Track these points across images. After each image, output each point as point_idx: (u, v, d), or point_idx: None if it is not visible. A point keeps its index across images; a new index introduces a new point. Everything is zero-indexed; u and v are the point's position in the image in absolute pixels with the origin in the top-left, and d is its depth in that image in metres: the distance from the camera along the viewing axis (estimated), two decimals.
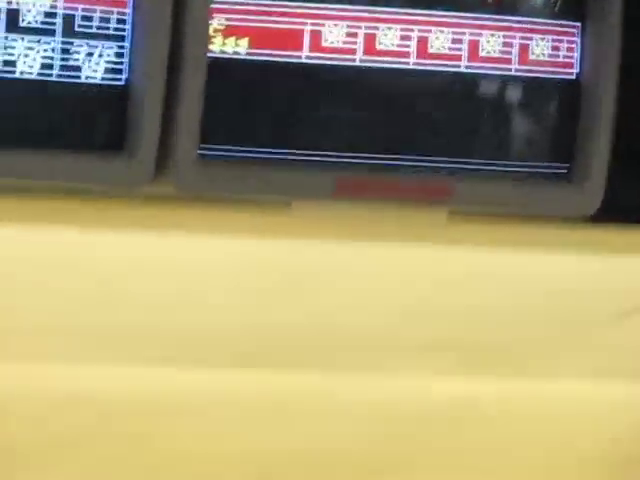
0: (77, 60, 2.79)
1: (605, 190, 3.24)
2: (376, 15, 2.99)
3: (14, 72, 2.70)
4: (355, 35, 2.99)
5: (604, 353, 3.63)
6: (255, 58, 2.93)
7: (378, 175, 3.09)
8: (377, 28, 3.00)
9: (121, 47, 2.82)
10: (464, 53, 3.11)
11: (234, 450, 3.71)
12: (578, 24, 3.16)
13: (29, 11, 2.66)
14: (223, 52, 2.93)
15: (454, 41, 3.09)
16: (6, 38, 2.65)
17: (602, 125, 3.19)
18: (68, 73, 2.79)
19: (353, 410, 3.69)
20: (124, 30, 2.80)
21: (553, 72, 3.21)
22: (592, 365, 3.67)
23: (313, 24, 2.93)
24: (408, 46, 3.05)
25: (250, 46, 2.92)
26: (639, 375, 3.69)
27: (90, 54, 2.82)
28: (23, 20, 2.67)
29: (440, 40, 3.07)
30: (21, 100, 2.79)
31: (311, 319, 3.38)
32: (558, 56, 3.19)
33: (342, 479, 4.01)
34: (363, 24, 2.98)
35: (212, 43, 2.88)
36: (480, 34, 3.10)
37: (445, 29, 3.06)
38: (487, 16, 3.10)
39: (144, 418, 3.62)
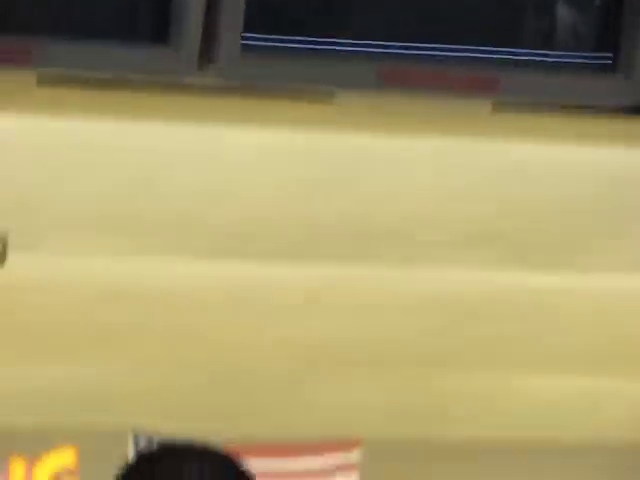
0: None
1: None
2: None
3: None
4: None
5: None
6: None
7: (424, 64, 3.07)
8: None
9: None
10: None
11: (281, 340, 3.76)
12: None
13: None
14: None
15: None
16: None
17: None
18: None
19: (401, 302, 3.70)
20: None
21: None
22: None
23: None
24: None
25: None
26: None
27: None
28: None
29: None
30: None
31: (358, 210, 3.39)
32: None
33: (390, 371, 4.06)
34: None
35: None
36: None
37: None
38: None
39: (190, 310, 3.67)
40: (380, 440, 4.20)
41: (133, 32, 3.01)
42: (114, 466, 1.08)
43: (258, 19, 2.97)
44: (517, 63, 3.17)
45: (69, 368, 4.15)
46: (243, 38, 2.91)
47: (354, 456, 4.73)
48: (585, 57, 3.23)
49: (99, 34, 2.93)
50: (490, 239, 3.51)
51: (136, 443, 4.46)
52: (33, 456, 4.83)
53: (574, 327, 3.77)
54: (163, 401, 4.19)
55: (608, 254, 3.66)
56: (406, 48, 3.08)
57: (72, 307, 3.70)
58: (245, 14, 2.90)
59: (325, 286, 3.63)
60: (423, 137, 3.25)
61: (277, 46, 2.97)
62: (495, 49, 3.14)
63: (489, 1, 3.16)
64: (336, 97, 3.10)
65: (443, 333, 3.76)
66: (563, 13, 3.20)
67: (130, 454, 4.02)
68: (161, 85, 3.01)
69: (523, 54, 3.16)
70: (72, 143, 3.10)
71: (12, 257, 3.46)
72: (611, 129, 3.33)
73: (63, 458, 4.92)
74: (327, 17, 3.07)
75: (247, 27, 2.93)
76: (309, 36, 2.99)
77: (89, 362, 4.10)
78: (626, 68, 3.18)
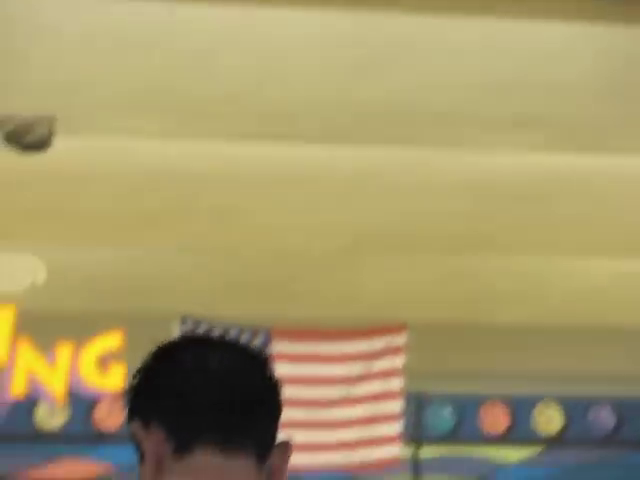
0: None
1: None
2: None
3: None
4: None
5: None
6: None
7: None
8: None
9: None
10: None
11: (327, 222, 3.77)
12: None
13: None
14: None
15: None
16: None
17: None
18: None
19: (448, 186, 3.70)
20: None
21: None
22: None
23: None
24: None
25: None
26: None
27: None
28: None
29: None
30: None
31: (405, 93, 3.35)
32: None
33: (437, 255, 4.07)
34: None
35: None
36: None
37: None
38: None
39: (237, 193, 3.68)
40: (427, 323, 4.23)
41: None
42: None
43: None
44: None
45: (117, 252, 4.15)
46: None
47: (401, 339, 4.77)
48: None
49: None
50: (538, 122, 3.48)
51: (182, 326, 4.50)
52: (80, 340, 4.90)
53: (623, 210, 3.76)
54: (210, 284, 4.21)
55: None
56: None
57: (118, 191, 3.70)
58: None
59: (372, 169, 3.62)
60: (472, 20, 3.20)
61: None
62: None
63: None
64: None
65: (491, 217, 3.76)
66: None
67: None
68: None
69: None
70: (120, 25, 3.07)
71: (58, 141, 3.45)
72: None
73: (109, 342, 4.98)
74: None
75: None
76: None
77: (136, 245, 4.12)
78: None
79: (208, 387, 1.09)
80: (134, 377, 1.09)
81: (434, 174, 3.69)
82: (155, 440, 1.06)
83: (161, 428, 1.09)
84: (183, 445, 1.08)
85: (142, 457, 1.06)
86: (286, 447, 1.09)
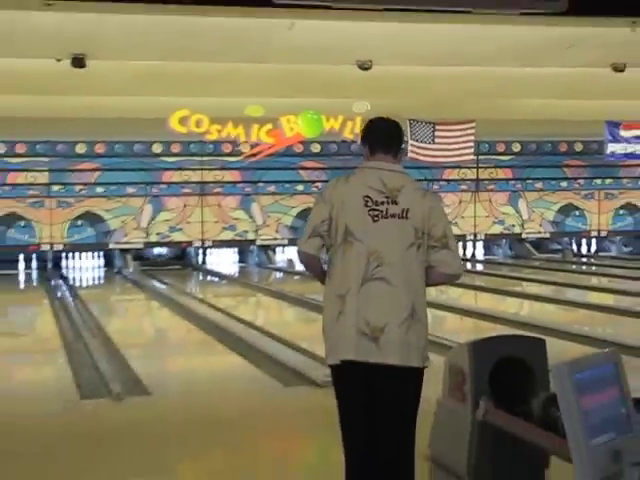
0: None
1: None
2: None
3: None
4: None
5: None
6: None
7: None
8: None
9: None
10: None
11: None
12: None
13: None
14: None
15: None
16: None
17: None
18: None
19: None
20: None
21: None
22: None
23: None
24: None
25: None
26: None
27: None
28: None
29: None
30: None
31: None
32: None
33: None
34: None
35: None
36: None
37: None
38: None
39: None
40: None
41: None
42: None
43: None
44: None
45: None
46: None
47: None
48: None
49: None
50: None
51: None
52: None
53: None
54: None
55: None
56: None
57: None
58: None
59: None
60: None
61: None
62: None
63: None
64: None
65: None
66: None
67: None
68: None
69: None
70: None
71: None
72: None
73: None
74: None
75: None
76: None
77: None
78: None
79: (384, 130, 4.39)
80: (364, 128, 4.46)
81: None
82: (366, 151, 4.41)
83: (367, 145, 4.38)
84: (372, 150, 4.35)
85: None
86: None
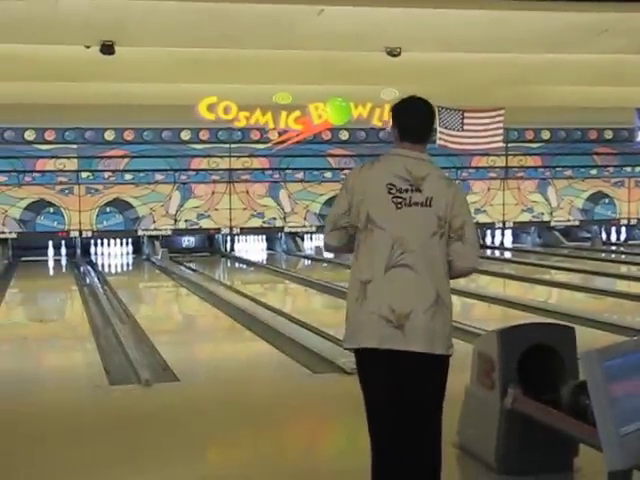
0: None
1: None
2: None
3: None
4: None
5: None
6: None
7: None
8: None
9: None
10: None
11: None
12: None
13: None
14: None
15: None
16: None
17: None
18: None
19: None
20: None
21: None
22: None
23: None
24: None
25: None
26: None
27: None
28: None
29: None
30: None
31: None
32: None
33: None
34: None
35: None
36: None
37: None
38: None
39: None
40: None
41: None
42: None
43: None
44: None
45: None
46: None
47: None
48: None
49: None
50: None
51: None
52: None
53: None
54: None
55: None
56: None
57: None
58: None
59: None
60: None
61: None
62: None
63: None
64: None
65: None
66: None
67: None
68: None
69: None
70: None
71: None
72: None
73: None
74: None
75: None
76: None
77: None
78: None
79: (415, 119, 4.31)
80: (395, 108, 4.38)
81: None
82: (396, 134, 4.34)
83: (397, 130, 4.32)
84: (402, 136, 4.29)
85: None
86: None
